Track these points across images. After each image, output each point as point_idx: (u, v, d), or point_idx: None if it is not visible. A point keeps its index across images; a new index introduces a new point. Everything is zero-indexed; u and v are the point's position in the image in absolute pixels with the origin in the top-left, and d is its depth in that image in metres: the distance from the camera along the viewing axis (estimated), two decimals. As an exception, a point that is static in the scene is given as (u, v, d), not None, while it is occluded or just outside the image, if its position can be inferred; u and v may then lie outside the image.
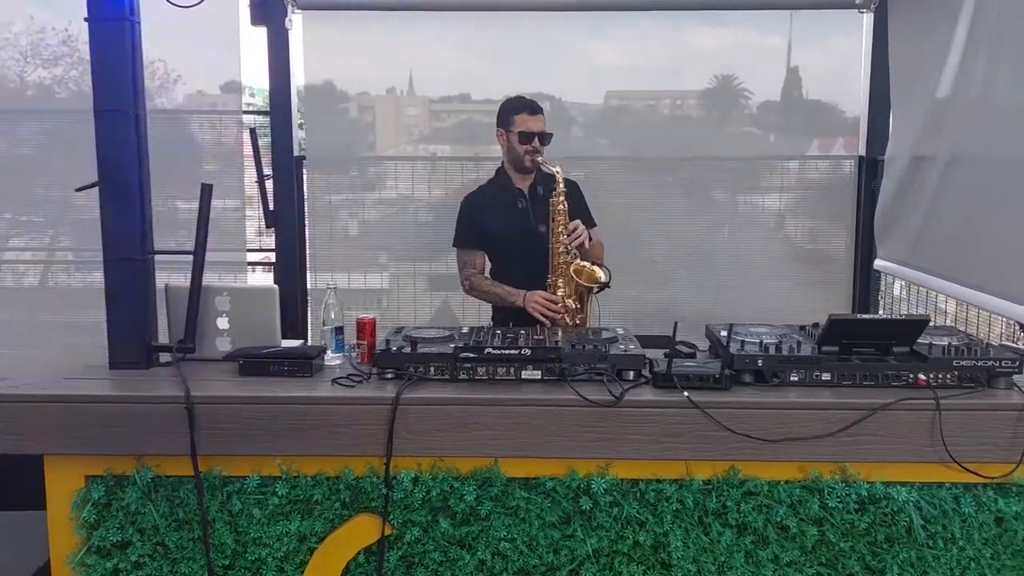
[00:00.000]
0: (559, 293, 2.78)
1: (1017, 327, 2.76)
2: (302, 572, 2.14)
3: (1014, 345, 2.49)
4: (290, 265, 3.94)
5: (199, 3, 2.34)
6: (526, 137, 2.93)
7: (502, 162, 3.09)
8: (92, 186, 2.22)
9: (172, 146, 3.96)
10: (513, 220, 2.96)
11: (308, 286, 4.03)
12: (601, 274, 2.74)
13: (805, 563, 2.12)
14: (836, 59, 3.93)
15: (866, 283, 3.85)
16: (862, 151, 3.84)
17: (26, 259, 4.24)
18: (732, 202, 4.09)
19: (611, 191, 3.96)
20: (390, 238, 4.10)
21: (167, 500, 2.13)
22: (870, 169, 3.80)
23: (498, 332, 2.41)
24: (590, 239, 2.82)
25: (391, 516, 2.12)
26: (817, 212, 4.03)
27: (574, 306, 2.78)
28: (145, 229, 2.26)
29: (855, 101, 3.87)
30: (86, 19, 2.15)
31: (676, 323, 2.14)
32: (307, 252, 4.05)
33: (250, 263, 4.18)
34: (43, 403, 2.11)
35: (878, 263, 3.69)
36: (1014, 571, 2.11)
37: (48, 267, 4.26)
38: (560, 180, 2.80)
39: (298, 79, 3.92)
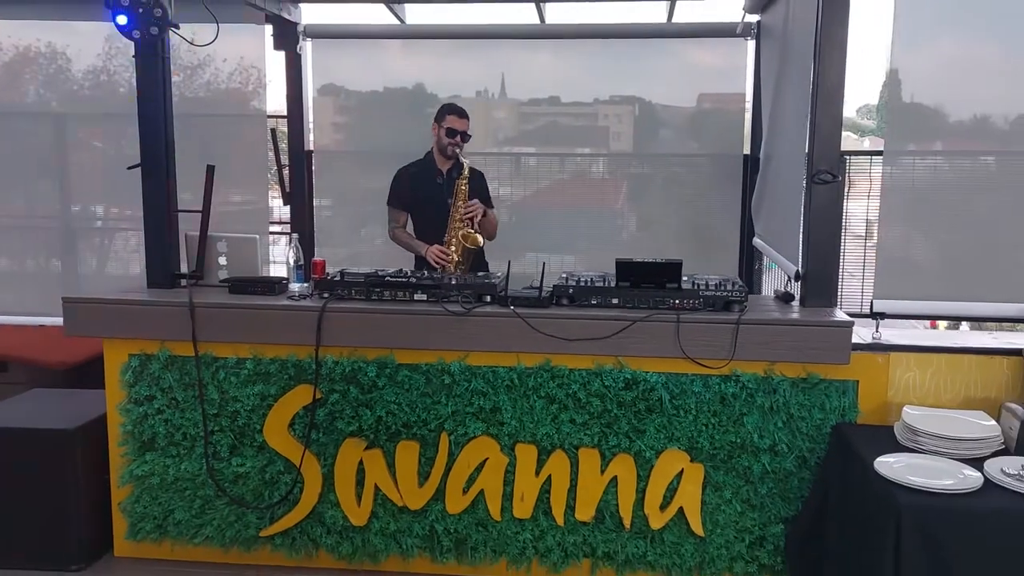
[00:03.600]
0: (451, 249, 3.85)
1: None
2: (264, 419, 3.25)
3: (783, 289, 3.41)
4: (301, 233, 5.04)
5: (212, 43, 3.44)
6: (451, 133, 4.01)
7: (432, 147, 4.14)
8: (137, 166, 3.38)
9: (219, 140, 5.12)
10: (431, 192, 4.05)
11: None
12: (480, 241, 3.83)
13: (592, 424, 3.11)
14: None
15: (749, 256, 4.76)
16: (747, 151, 4.76)
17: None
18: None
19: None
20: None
21: (178, 370, 3.26)
22: (753, 165, 4.70)
23: (407, 271, 3.46)
24: (484, 215, 3.90)
25: (320, 385, 3.20)
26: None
27: (458, 259, 3.86)
28: (170, 194, 3.41)
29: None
30: (133, 56, 3.30)
31: (544, 264, 3.20)
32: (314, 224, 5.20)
33: (272, 233, 5.36)
34: (104, 304, 3.28)
35: (754, 240, 4.60)
36: (733, 434, 3.05)
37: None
38: (466, 169, 3.86)
39: (309, 88, 5.07)
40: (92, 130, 5.42)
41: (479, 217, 3.88)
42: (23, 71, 5.26)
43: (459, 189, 3.88)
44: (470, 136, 4.05)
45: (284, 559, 3.30)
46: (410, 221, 4.18)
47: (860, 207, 4.46)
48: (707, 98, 4.99)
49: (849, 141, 4.36)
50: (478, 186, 4.03)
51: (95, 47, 5.17)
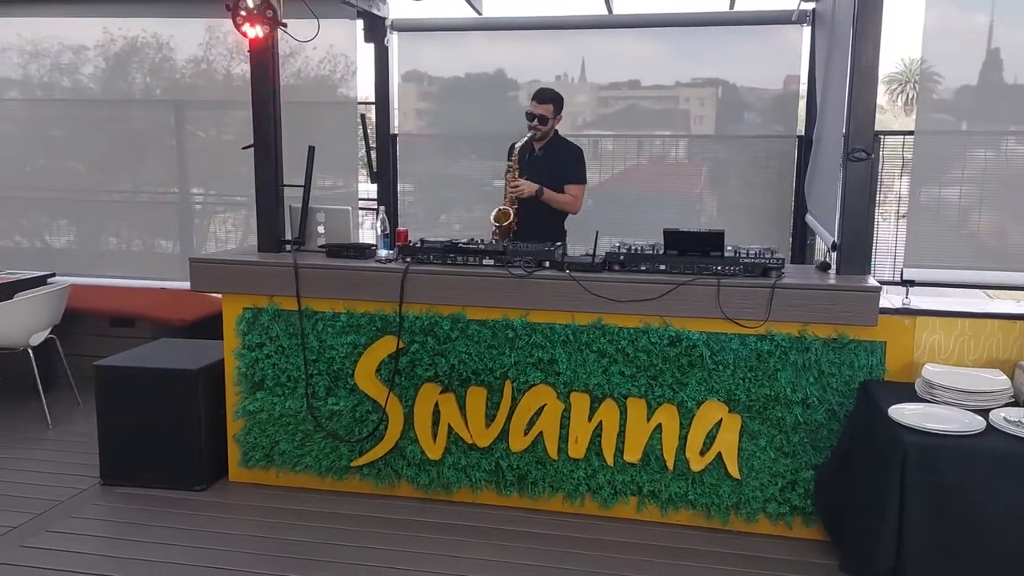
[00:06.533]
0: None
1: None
2: (355, 365, 3.75)
3: (822, 259, 3.71)
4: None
5: (314, 38, 3.94)
6: (529, 117, 4.41)
7: None
8: (250, 146, 3.93)
9: (313, 125, 5.64)
10: (525, 167, 4.41)
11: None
12: (509, 216, 4.20)
13: (639, 376, 3.49)
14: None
15: (803, 232, 5.03)
16: (801, 131, 5.01)
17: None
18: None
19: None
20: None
21: (284, 321, 3.80)
22: (807, 146, 4.95)
23: (479, 239, 3.89)
24: (539, 194, 4.29)
25: (402, 336, 3.69)
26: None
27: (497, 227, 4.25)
28: (278, 171, 3.95)
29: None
30: (248, 51, 3.84)
31: (597, 232, 3.56)
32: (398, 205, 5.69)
33: (361, 208, 5.88)
34: (224, 264, 3.85)
35: (806, 217, 4.87)
36: (768, 388, 3.38)
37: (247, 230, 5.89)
38: (516, 151, 4.25)
39: (395, 76, 5.56)
40: (193, 116, 5.74)
41: (516, 194, 4.23)
42: (131, 61, 5.70)
43: (510, 170, 4.28)
44: (548, 118, 4.37)
45: (371, 487, 3.82)
46: None
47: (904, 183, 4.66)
48: (792, 80, 5.17)
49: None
50: (559, 157, 4.40)
51: (196, 37, 5.55)
